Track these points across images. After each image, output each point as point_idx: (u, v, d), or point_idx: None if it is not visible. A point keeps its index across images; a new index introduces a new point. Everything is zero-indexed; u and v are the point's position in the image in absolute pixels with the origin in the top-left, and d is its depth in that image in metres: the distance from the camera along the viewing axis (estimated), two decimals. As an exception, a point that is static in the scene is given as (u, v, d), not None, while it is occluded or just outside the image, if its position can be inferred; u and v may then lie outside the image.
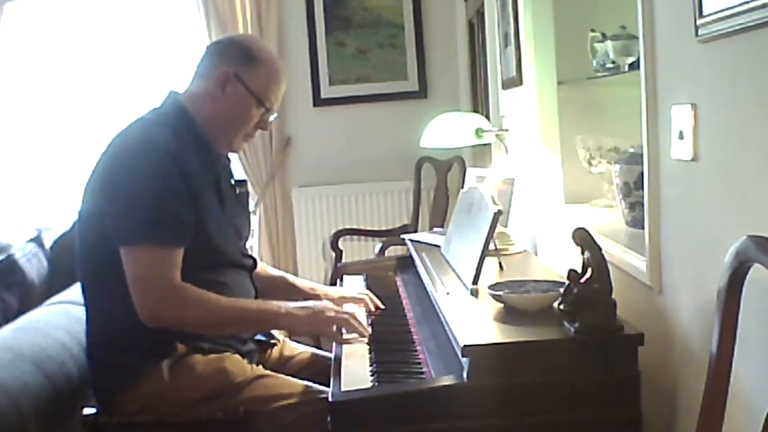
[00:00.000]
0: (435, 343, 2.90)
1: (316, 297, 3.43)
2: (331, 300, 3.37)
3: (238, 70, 3.12)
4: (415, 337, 3.05)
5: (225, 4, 7.03)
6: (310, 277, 6.71)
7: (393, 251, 6.10)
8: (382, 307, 3.38)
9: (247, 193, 3.43)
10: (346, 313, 3.13)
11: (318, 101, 7.40)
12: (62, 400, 3.09)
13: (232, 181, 3.31)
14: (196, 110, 3.15)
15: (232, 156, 3.34)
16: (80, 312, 3.23)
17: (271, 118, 3.27)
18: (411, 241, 4.20)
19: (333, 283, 4.44)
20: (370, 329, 3.13)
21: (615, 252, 2.93)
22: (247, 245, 3.41)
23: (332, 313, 3.10)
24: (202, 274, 2.98)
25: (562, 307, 2.57)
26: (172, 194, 2.92)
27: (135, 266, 2.90)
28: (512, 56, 4.47)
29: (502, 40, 4.81)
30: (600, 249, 2.52)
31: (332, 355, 2.99)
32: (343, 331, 3.10)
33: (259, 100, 3.15)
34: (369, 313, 3.35)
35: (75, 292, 3.74)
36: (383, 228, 7.12)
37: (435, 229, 4.71)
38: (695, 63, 2.26)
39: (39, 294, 4.35)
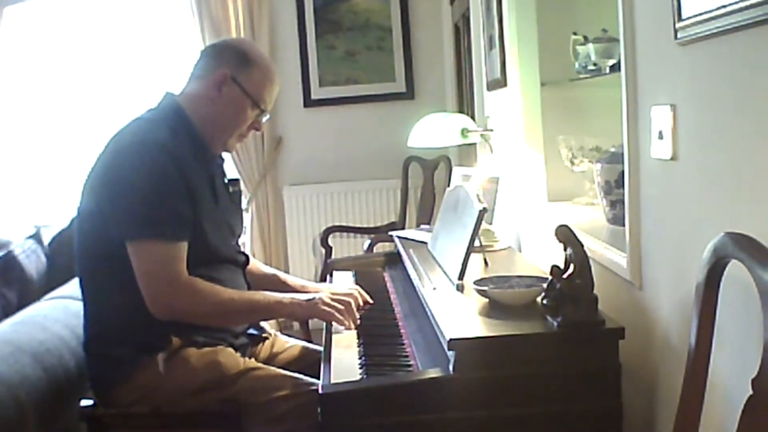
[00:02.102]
0: (422, 337, 2.90)
1: (307, 294, 3.42)
2: None
3: (235, 72, 3.13)
4: (402, 331, 3.05)
5: (218, 8, 7.02)
6: (301, 273, 6.73)
7: (381, 248, 6.10)
8: (371, 301, 3.37)
9: (239, 192, 3.43)
10: (343, 301, 3.15)
11: (308, 102, 7.40)
12: (60, 392, 3.08)
13: (226, 180, 3.31)
14: (192, 110, 3.15)
15: (225, 155, 3.34)
16: (78, 307, 3.22)
17: (264, 119, 3.28)
18: (399, 237, 4.20)
19: (323, 279, 4.44)
20: (358, 322, 3.14)
21: (596, 248, 2.93)
22: (240, 242, 3.41)
23: (329, 300, 3.12)
24: (197, 270, 2.97)
25: (545, 301, 2.57)
26: (170, 191, 2.93)
27: (143, 262, 2.91)
28: (497, 58, 4.47)
29: (487, 43, 4.80)
30: (582, 245, 2.52)
31: (322, 349, 2.99)
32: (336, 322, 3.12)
33: (255, 102, 3.16)
34: (358, 307, 3.34)
35: (73, 287, 3.73)
36: (372, 225, 7.12)
37: (422, 227, 4.70)
38: (674, 65, 2.26)
39: (38, 289, 4.34)
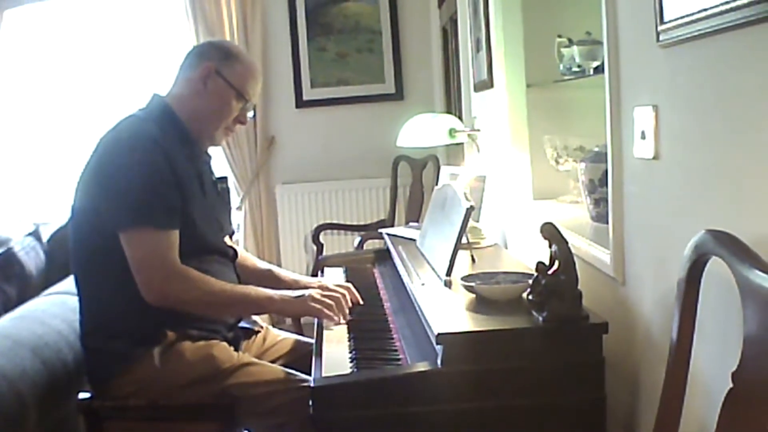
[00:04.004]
0: (411, 332, 2.90)
1: (300, 288, 3.43)
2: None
3: (219, 65, 3.18)
4: (391, 325, 3.05)
5: (212, 11, 7.01)
6: (293, 269, 6.65)
7: (371, 245, 6.10)
8: (361, 302, 3.36)
9: (227, 189, 3.43)
10: (333, 296, 3.15)
11: (300, 103, 7.39)
12: (59, 385, 3.08)
13: (214, 178, 3.32)
14: (180, 107, 3.19)
15: (219, 155, 3.35)
16: (76, 302, 3.22)
17: (249, 114, 3.32)
18: (388, 235, 4.19)
19: (314, 275, 4.43)
20: (348, 317, 3.14)
21: (581, 245, 2.93)
22: (233, 239, 3.41)
23: (318, 296, 3.12)
24: (188, 262, 2.98)
25: (530, 297, 2.57)
26: (161, 180, 2.95)
27: (136, 250, 2.92)
28: (483, 60, 4.47)
29: (474, 45, 4.80)
30: (566, 242, 2.51)
31: (313, 342, 2.99)
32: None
33: (239, 93, 3.20)
34: (348, 304, 3.34)
35: (71, 283, 3.71)
36: (362, 223, 7.11)
37: (411, 224, 4.69)
38: (656, 67, 2.26)
39: (37, 285, 4.33)
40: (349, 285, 3.39)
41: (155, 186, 2.93)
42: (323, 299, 3.11)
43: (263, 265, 3.67)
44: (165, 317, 2.98)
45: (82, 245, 3.08)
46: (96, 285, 3.08)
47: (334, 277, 3.86)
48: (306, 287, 3.33)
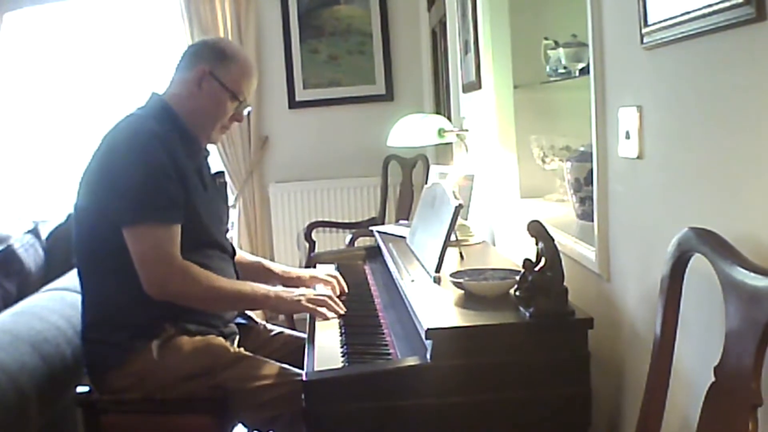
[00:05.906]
0: (401, 327, 2.89)
1: (290, 279, 3.51)
2: (304, 280, 3.48)
3: (213, 68, 3.16)
4: (382, 321, 3.04)
5: (207, 14, 7.00)
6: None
7: (362, 242, 6.08)
8: (346, 290, 3.40)
9: (225, 184, 3.44)
10: (323, 296, 3.16)
11: (293, 104, 7.39)
12: (57, 379, 3.08)
13: (212, 173, 3.32)
14: (178, 106, 3.17)
15: (213, 154, 3.35)
16: (74, 298, 3.22)
17: (246, 111, 3.32)
18: (379, 232, 4.19)
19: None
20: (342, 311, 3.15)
21: (567, 243, 2.93)
22: (228, 236, 3.41)
23: (313, 296, 3.15)
24: (191, 256, 2.98)
25: (518, 293, 2.56)
26: (163, 175, 2.94)
27: (139, 244, 2.92)
28: (472, 62, 4.46)
29: (463, 47, 4.80)
30: (553, 240, 2.51)
31: (306, 337, 2.99)
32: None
33: (233, 95, 3.19)
34: (338, 295, 3.36)
35: (69, 279, 3.73)
36: (353, 220, 7.11)
37: (401, 222, 4.69)
38: (640, 68, 2.26)
39: (36, 281, 4.32)
40: (337, 274, 3.46)
41: (157, 181, 2.93)
42: (317, 298, 3.14)
43: (252, 258, 3.71)
44: (164, 311, 2.98)
45: (86, 241, 3.09)
46: (98, 279, 3.08)
47: (326, 271, 3.85)
48: (298, 278, 3.43)
